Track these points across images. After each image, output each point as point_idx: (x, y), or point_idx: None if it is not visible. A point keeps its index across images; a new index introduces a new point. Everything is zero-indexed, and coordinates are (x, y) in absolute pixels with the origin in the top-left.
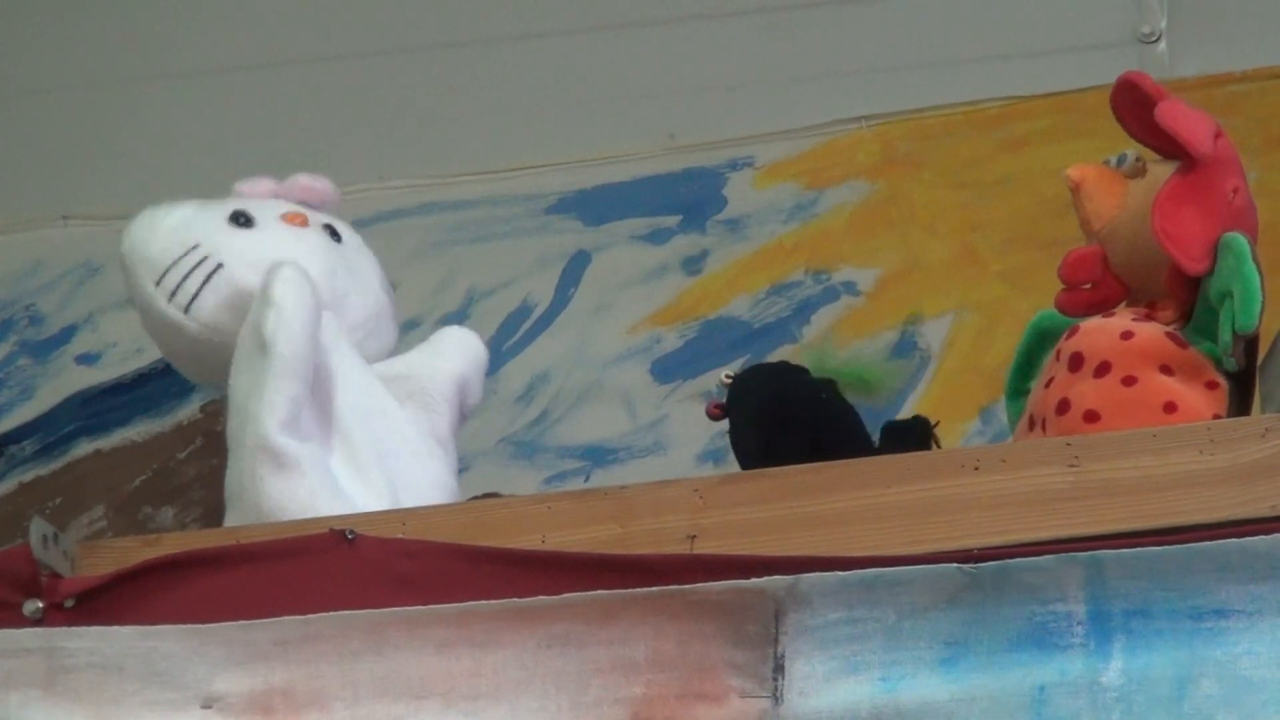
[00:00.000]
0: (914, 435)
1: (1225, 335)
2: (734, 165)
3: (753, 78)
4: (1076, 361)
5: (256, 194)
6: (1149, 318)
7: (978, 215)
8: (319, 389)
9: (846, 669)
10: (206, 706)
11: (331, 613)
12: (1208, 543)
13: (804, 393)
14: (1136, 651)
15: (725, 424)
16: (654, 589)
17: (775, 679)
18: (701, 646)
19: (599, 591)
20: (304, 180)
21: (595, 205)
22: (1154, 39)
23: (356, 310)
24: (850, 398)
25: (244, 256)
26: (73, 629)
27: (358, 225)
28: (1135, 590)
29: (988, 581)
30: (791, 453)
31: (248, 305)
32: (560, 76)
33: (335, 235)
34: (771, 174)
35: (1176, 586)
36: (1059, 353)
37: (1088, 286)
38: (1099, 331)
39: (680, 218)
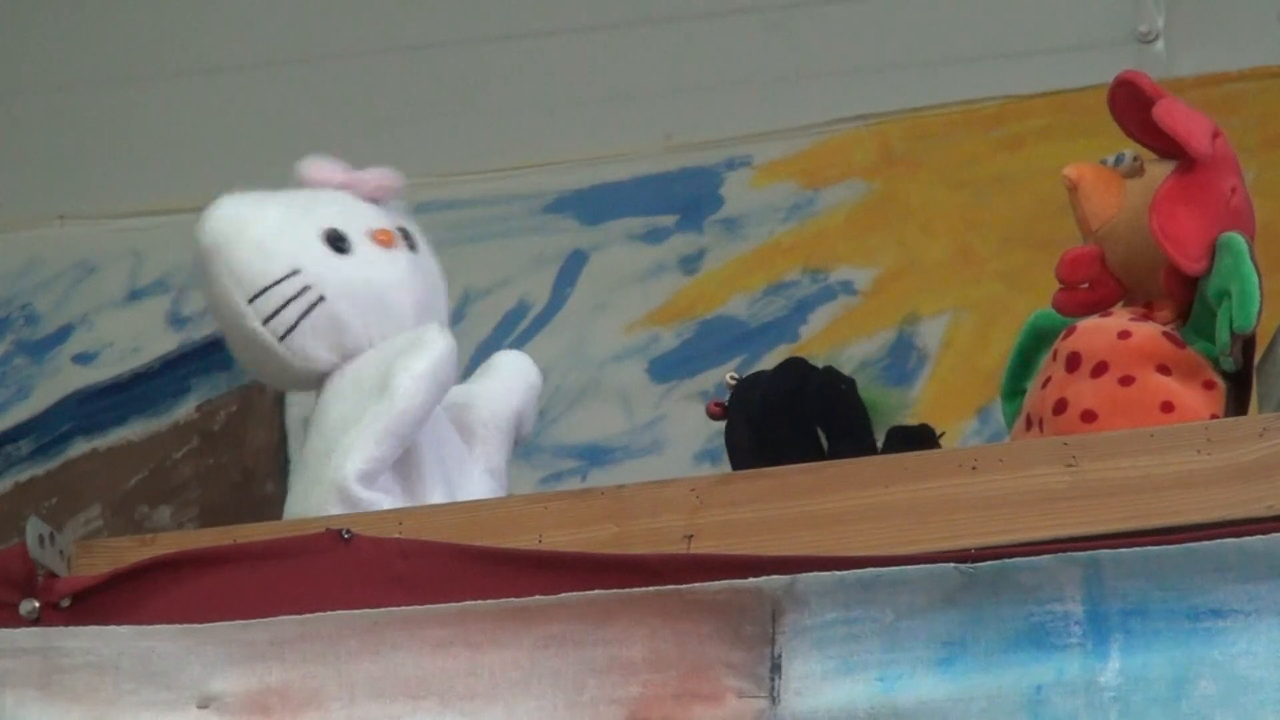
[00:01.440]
0: (919, 443)
1: (1223, 335)
2: (731, 164)
3: (750, 77)
4: (1074, 361)
5: (326, 181)
6: (1146, 317)
7: (975, 214)
8: (409, 451)
9: (843, 669)
10: (203, 706)
11: (328, 613)
12: (1205, 542)
13: (813, 387)
14: (1134, 651)
15: (719, 421)
16: (651, 589)
17: (772, 679)
18: (698, 646)
19: (596, 591)
20: (376, 176)
21: (592, 204)
22: (1152, 38)
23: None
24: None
25: (347, 290)
26: (69, 629)
27: None
28: (1133, 590)
29: (985, 581)
30: (784, 443)
31: (344, 338)
32: (557, 76)
33: (411, 243)
34: (768, 173)
35: (1174, 586)
36: (1056, 352)
37: (1085, 286)
38: (1096, 331)
39: (677, 217)
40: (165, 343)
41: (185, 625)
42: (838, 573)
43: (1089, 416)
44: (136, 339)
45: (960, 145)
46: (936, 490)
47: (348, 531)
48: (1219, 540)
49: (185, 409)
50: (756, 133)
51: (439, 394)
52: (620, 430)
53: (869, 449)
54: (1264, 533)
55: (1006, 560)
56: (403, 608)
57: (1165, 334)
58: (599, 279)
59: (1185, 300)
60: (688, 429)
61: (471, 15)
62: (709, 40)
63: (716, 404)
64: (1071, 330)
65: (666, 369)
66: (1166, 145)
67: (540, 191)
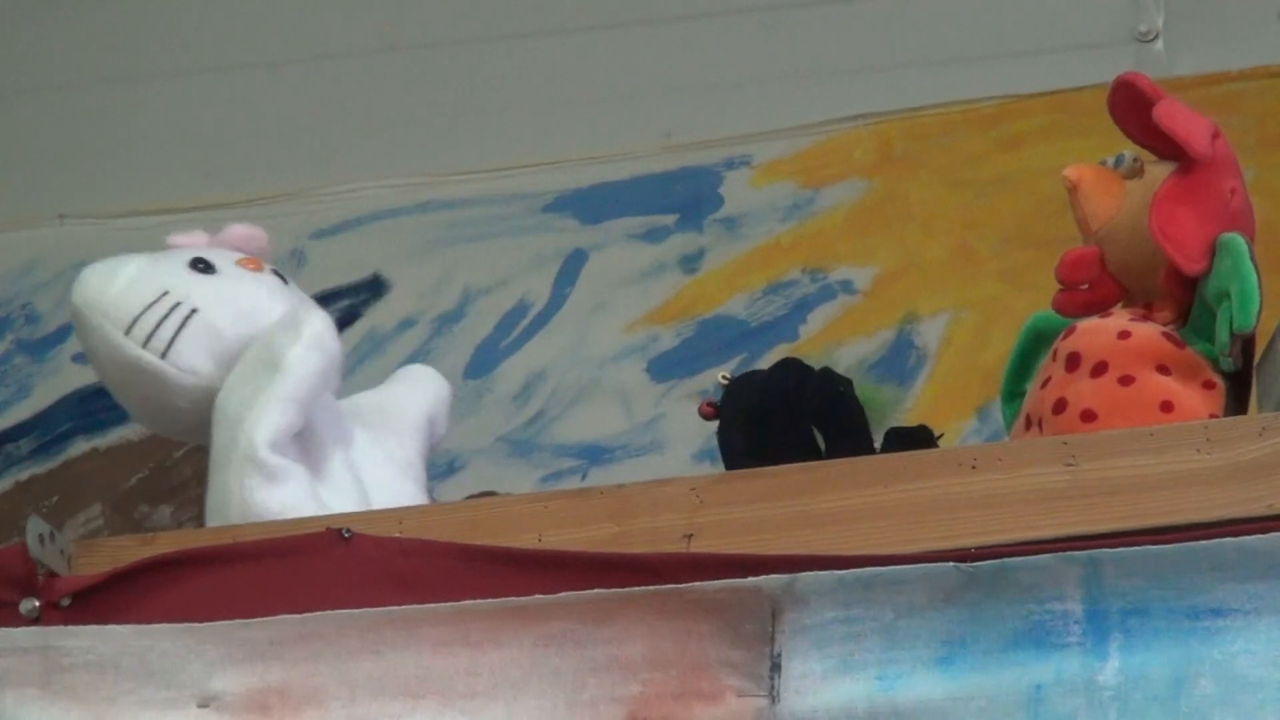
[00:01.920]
0: (917, 443)
1: (1223, 335)
2: (730, 164)
3: (749, 76)
4: (1073, 361)
5: (192, 245)
6: (1146, 318)
7: (975, 214)
8: (305, 426)
9: (843, 668)
10: (203, 705)
11: (328, 612)
12: (1205, 542)
13: (811, 388)
14: (1133, 650)
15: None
16: (651, 588)
17: (772, 678)
18: (698, 645)
19: (596, 590)
20: (239, 230)
21: (592, 204)
22: (1151, 37)
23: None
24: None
25: (218, 300)
26: (69, 628)
27: (354, 224)
28: (1132, 589)
29: (985, 580)
30: (779, 444)
31: (226, 348)
32: (556, 75)
33: (282, 279)
34: (768, 173)
35: (1173, 585)
36: (1055, 352)
37: (1085, 287)
38: (1096, 331)
39: (677, 216)
40: None
41: (185, 624)
42: (837, 572)
43: (1088, 416)
44: None
45: (960, 145)
46: (936, 489)
47: (348, 530)
48: (1218, 539)
49: None
50: (756, 132)
51: (328, 361)
52: (620, 429)
53: (867, 449)
54: (1263, 532)
55: (1006, 559)
56: (403, 607)
57: (1165, 334)
58: (599, 278)
59: (1185, 301)
60: (687, 428)
61: (471, 15)
62: (709, 40)
63: (709, 404)
64: (1071, 330)
65: (666, 368)
66: (1166, 146)
67: (540, 191)
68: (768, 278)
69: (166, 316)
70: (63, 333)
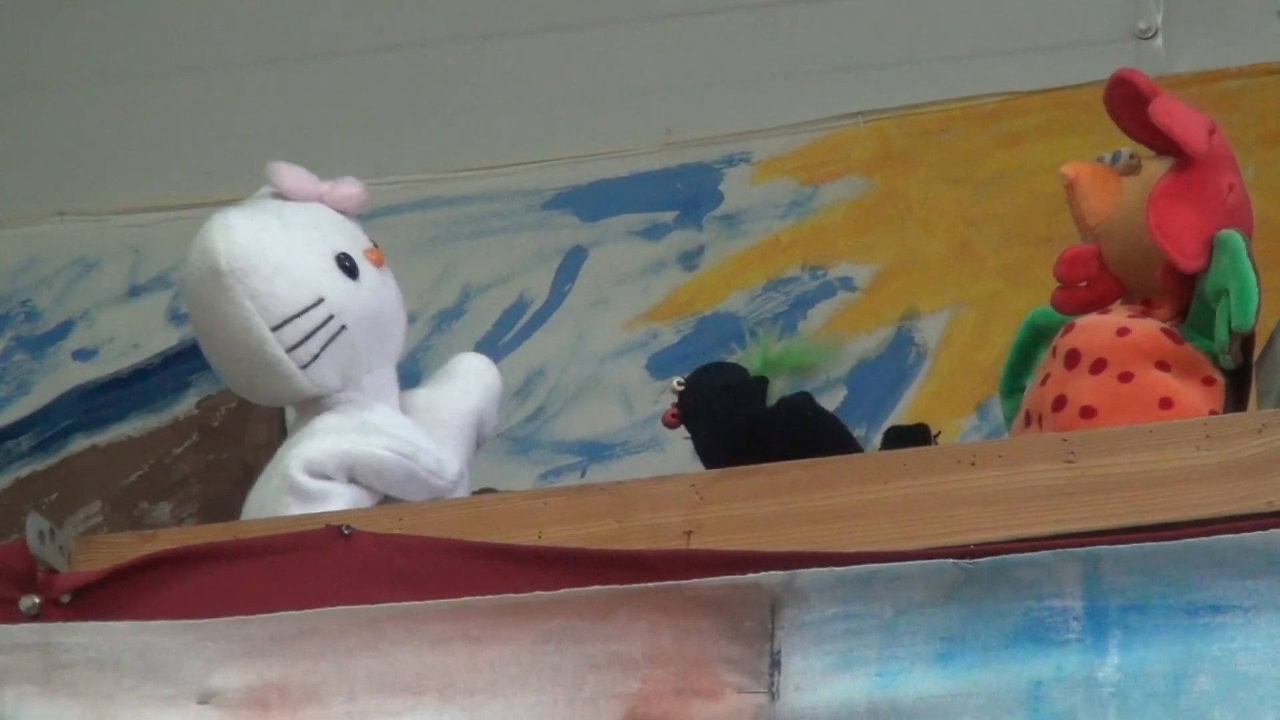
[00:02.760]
0: (915, 441)
1: (1222, 333)
2: (730, 161)
3: (749, 74)
4: (1073, 358)
5: (303, 193)
6: (1145, 315)
7: (974, 211)
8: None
9: (842, 665)
10: (203, 702)
11: (328, 608)
12: (1204, 538)
13: (779, 423)
14: (1133, 647)
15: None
16: (650, 584)
17: (771, 674)
18: (698, 642)
19: (595, 587)
20: (347, 188)
21: (592, 201)
22: (1150, 35)
23: (400, 338)
24: (794, 381)
25: (362, 317)
26: (69, 624)
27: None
28: (1131, 586)
29: (984, 577)
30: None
31: (355, 364)
32: (557, 72)
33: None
34: (768, 170)
35: (1173, 582)
36: (1055, 349)
37: (1083, 284)
38: (1095, 328)
39: (677, 213)
40: (165, 339)
41: (185, 621)
42: (837, 568)
43: (1088, 413)
44: (136, 335)
45: (959, 142)
46: (935, 486)
47: (348, 527)
48: (1217, 536)
49: (185, 405)
50: (756, 129)
51: (387, 480)
52: (620, 426)
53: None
54: (1262, 529)
55: (1005, 556)
56: (403, 603)
57: (1164, 330)
58: (598, 275)
59: (1183, 297)
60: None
61: (472, 12)
62: (709, 37)
63: (671, 414)
64: (1070, 327)
65: (666, 365)
66: (1163, 143)
67: (540, 188)
68: (767, 274)
69: (319, 329)
70: (63, 329)
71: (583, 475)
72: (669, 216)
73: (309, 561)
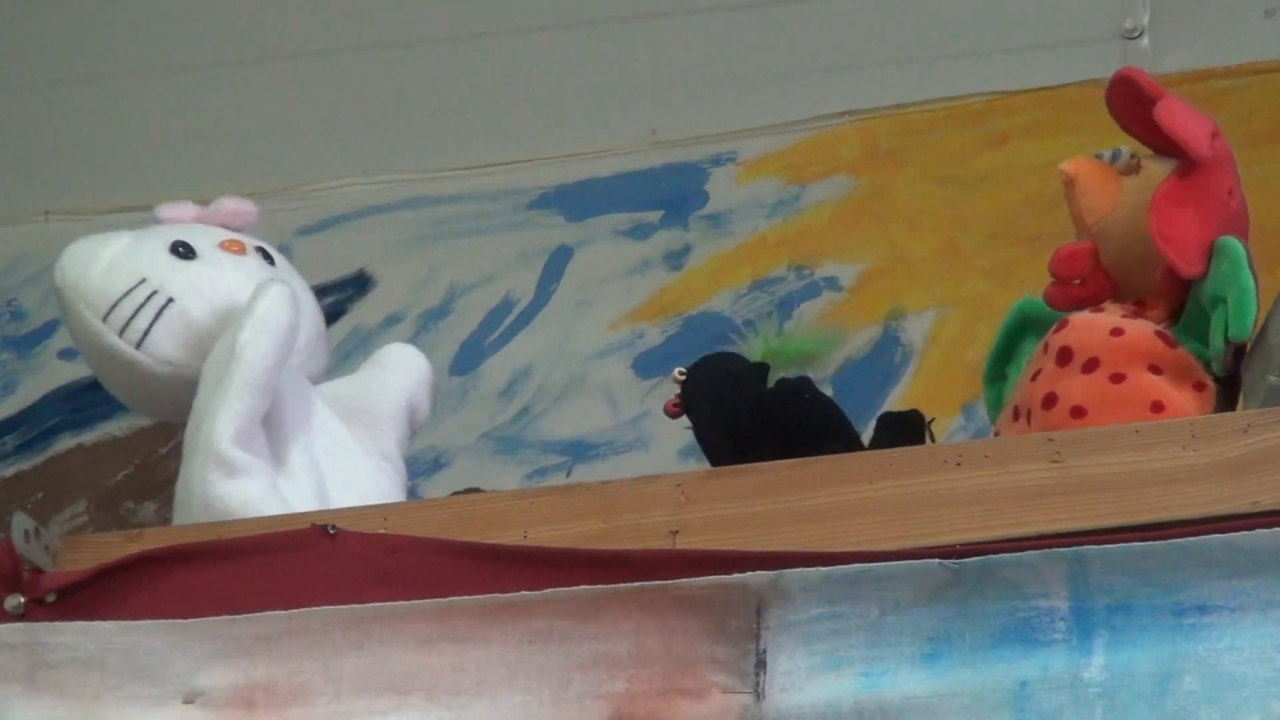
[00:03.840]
0: (908, 426)
1: (1217, 341)
2: (716, 160)
3: (735, 73)
4: (1065, 356)
5: (179, 219)
6: (1138, 315)
7: (960, 210)
8: (272, 412)
9: (829, 664)
10: (189, 702)
11: (314, 608)
12: (1191, 538)
13: (777, 408)
14: (1119, 647)
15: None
16: (636, 584)
17: (757, 674)
18: (684, 642)
19: (581, 587)
20: (229, 204)
21: (577, 200)
22: (1137, 34)
23: (299, 334)
24: (797, 369)
25: (194, 289)
26: (54, 624)
27: (340, 220)
28: (1118, 586)
29: (970, 577)
30: (759, 446)
31: (201, 338)
32: (542, 72)
33: (268, 259)
34: (754, 169)
35: (1159, 582)
36: (1047, 345)
37: (1077, 281)
38: (1089, 327)
39: (662, 213)
40: None
41: (171, 620)
42: (823, 568)
43: (1079, 412)
44: None
45: (946, 141)
46: (922, 486)
47: (333, 527)
48: (1204, 536)
49: None
50: (742, 129)
51: (284, 338)
52: (605, 426)
53: (850, 436)
54: (1249, 528)
55: (992, 556)
56: (388, 603)
57: (1158, 333)
58: (584, 275)
59: (1178, 300)
60: (673, 425)
61: (456, 12)
62: (694, 36)
63: (674, 404)
64: (1063, 324)
65: (651, 365)
66: (1165, 144)
67: (525, 187)
68: (753, 274)
69: (142, 306)
70: (48, 329)
71: (568, 475)
72: (655, 216)
73: (294, 561)
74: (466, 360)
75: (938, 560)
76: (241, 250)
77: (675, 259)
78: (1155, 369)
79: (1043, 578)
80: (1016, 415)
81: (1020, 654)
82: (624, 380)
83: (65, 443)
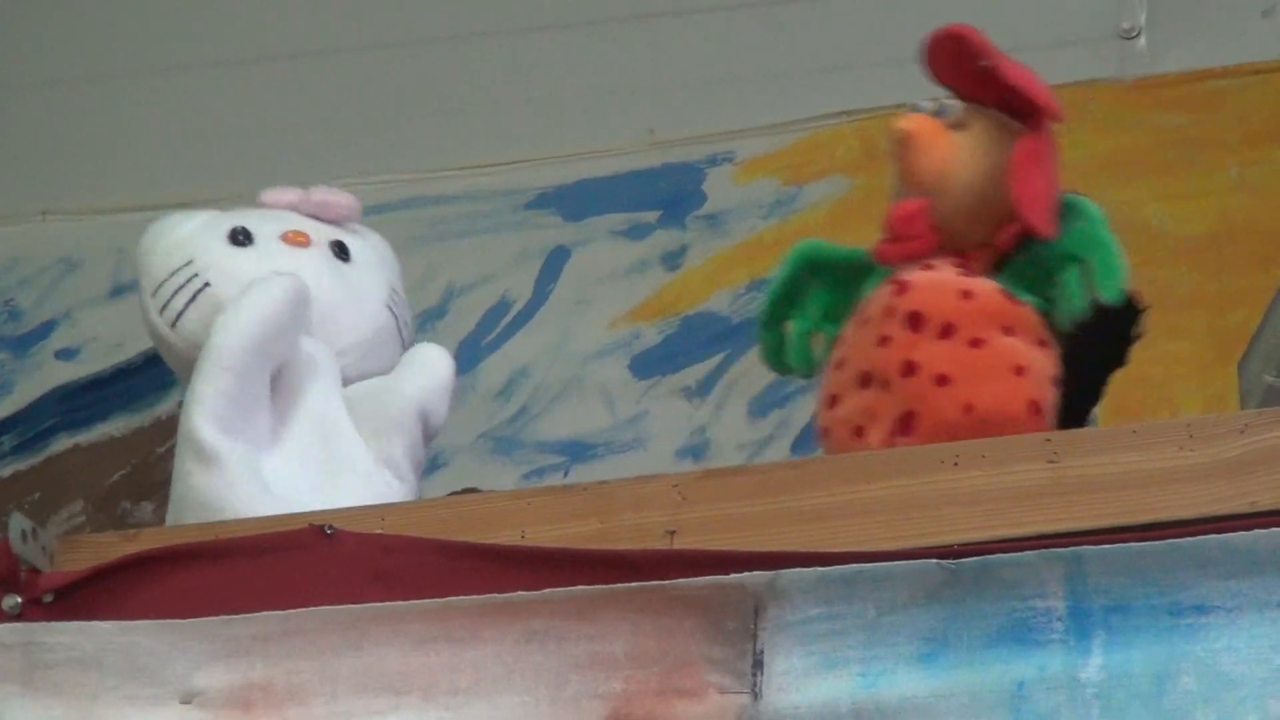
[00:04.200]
0: (1125, 321)
1: (1075, 302)
2: (714, 161)
3: (733, 73)
4: (916, 321)
5: (278, 204)
6: (964, 269)
7: None
8: (280, 396)
9: (826, 665)
10: (186, 702)
11: (311, 608)
12: (1188, 539)
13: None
14: (1116, 647)
15: (701, 417)
16: (633, 584)
17: (754, 675)
18: (681, 642)
19: (578, 587)
20: (321, 194)
21: (575, 201)
22: (1134, 34)
23: (348, 332)
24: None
25: (231, 276)
26: (51, 624)
27: None
28: (1115, 586)
29: (967, 577)
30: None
31: None
32: (540, 72)
33: (343, 253)
34: (751, 169)
35: (1156, 582)
36: (891, 309)
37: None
38: (935, 289)
39: (660, 213)
40: (148, 339)
41: (168, 621)
42: (820, 568)
43: (943, 380)
44: (119, 335)
45: None
46: (919, 486)
47: (330, 527)
48: (1201, 536)
49: (168, 405)
50: (739, 129)
51: (267, 317)
52: (603, 426)
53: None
54: (1246, 529)
55: (989, 556)
56: (385, 603)
57: (1002, 292)
58: (581, 275)
59: (1004, 254)
60: (670, 425)
61: (454, 11)
62: (692, 36)
63: None
64: (904, 287)
65: (649, 365)
66: (998, 100)
67: (523, 188)
68: (751, 274)
69: (182, 287)
70: (45, 329)
71: (566, 475)
72: (652, 216)
73: (292, 561)
74: (464, 360)
75: (935, 560)
76: (305, 243)
77: (673, 259)
78: (1008, 330)
79: (1040, 578)
80: (866, 382)
81: (1017, 654)
82: (621, 380)
83: (62, 443)
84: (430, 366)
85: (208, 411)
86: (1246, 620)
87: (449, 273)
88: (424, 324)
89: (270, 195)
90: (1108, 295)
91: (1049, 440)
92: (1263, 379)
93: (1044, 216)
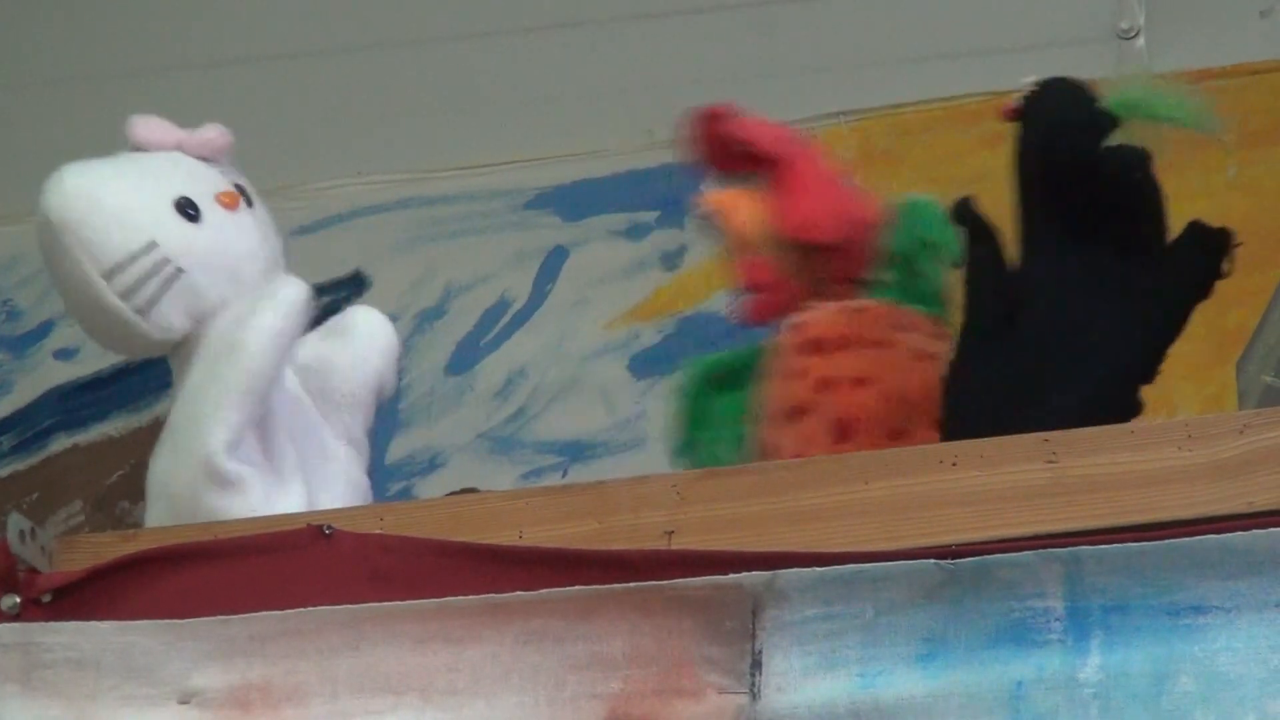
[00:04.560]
0: (1219, 245)
1: (936, 280)
2: None
3: (732, 73)
4: (818, 345)
5: (160, 144)
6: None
7: None
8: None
9: (824, 665)
10: (184, 702)
11: (309, 608)
12: (1186, 539)
13: (1111, 156)
14: (1114, 648)
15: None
16: (632, 585)
17: (753, 675)
18: (679, 642)
19: (576, 587)
20: (206, 133)
21: (573, 201)
22: (1132, 34)
23: (257, 278)
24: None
25: (204, 262)
26: (50, 624)
27: (336, 220)
28: (1113, 586)
29: (966, 578)
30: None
31: (204, 308)
32: (539, 72)
33: (248, 199)
34: None
35: (1155, 583)
36: (793, 346)
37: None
38: (826, 315)
39: (658, 213)
40: None
41: (166, 621)
42: (818, 569)
43: (860, 382)
44: None
45: (941, 142)
46: (917, 486)
47: (329, 527)
48: (1200, 537)
49: (166, 405)
50: None
51: (289, 345)
52: (601, 426)
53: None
54: (1244, 529)
55: (987, 556)
56: (384, 603)
57: (889, 301)
58: (580, 275)
59: (864, 280)
60: (668, 425)
61: (453, 11)
62: (691, 37)
63: (1012, 109)
64: (798, 325)
65: (647, 365)
66: (754, 160)
67: (522, 188)
68: None
69: (152, 274)
70: (44, 329)
71: (564, 475)
72: (651, 216)
73: (290, 561)
74: (462, 360)
75: (933, 560)
76: (235, 204)
77: (671, 259)
78: (901, 328)
79: (1038, 578)
80: (794, 416)
81: (1016, 654)
82: (620, 380)
83: (61, 443)
84: (379, 337)
85: (229, 438)
86: (1244, 620)
87: (447, 273)
88: (422, 324)
89: (145, 130)
90: (943, 240)
91: (1047, 440)
92: (1261, 379)
93: (818, 229)
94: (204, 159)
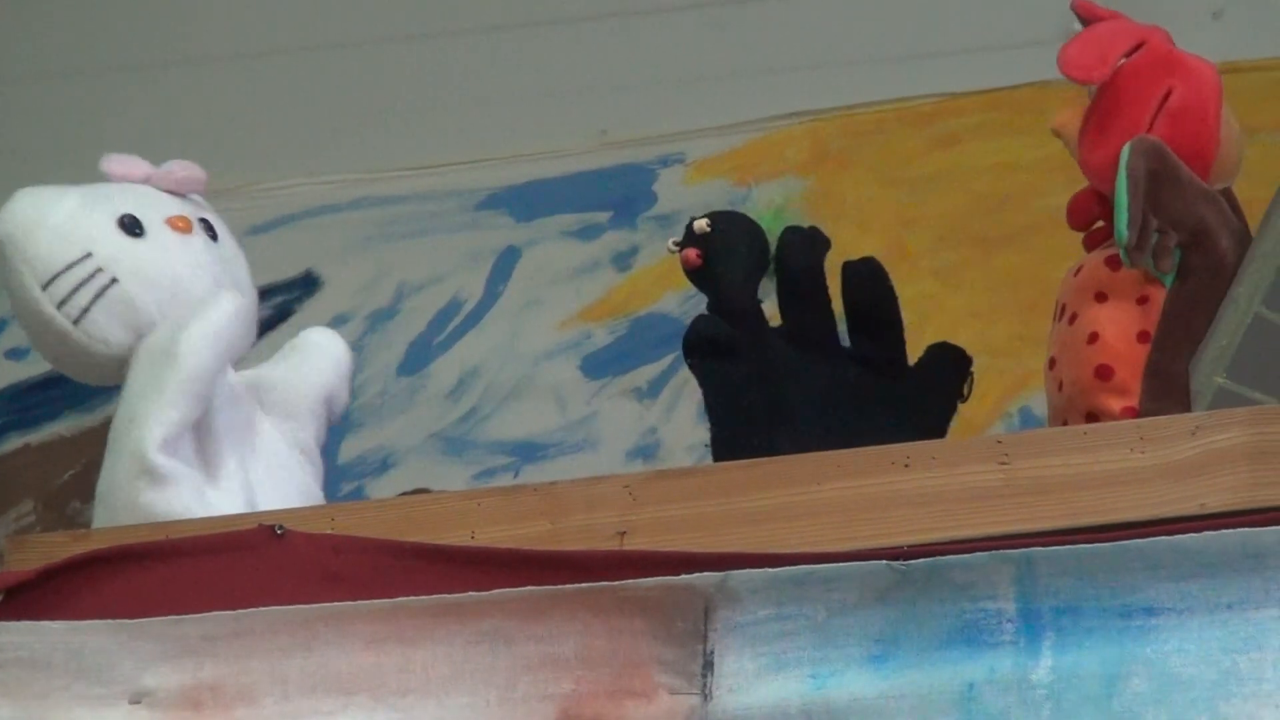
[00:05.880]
0: (953, 366)
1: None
2: (664, 161)
3: (684, 74)
4: (1059, 312)
5: (129, 177)
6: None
7: (909, 212)
8: (204, 418)
9: (776, 666)
10: (135, 702)
11: (261, 608)
12: (1138, 540)
13: (848, 268)
14: (1066, 649)
15: (652, 418)
16: (584, 585)
17: (704, 676)
18: (631, 643)
19: (528, 588)
20: (178, 170)
21: (525, 201)
22: None
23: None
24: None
25: (139, 273)
26: (1, 624)
27: (288, 220)
28: (1065, 588)
29: (918, 579)
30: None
31: (140, 321)
32: (490, 72)
33: (212, 233)
34: (702, 170)
35: (1107, 584)
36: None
37: (1099, 224)
38: (1067, 276)
39: (611, 214)
40: None
41: (118, 620)
42: (770, 570)
43: (1051, 364)
44: None
45: (894, 143)
46: (870, 487)
47: (280, 527)
48: (1152, 539)
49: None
50: (690, 130)
51: (227, 351)
52: (553, 427)
53: (898, 350)
54: (1196, 531)
55: (939, 558)
56: (336, 603)
57: (1106, 260)
58: (532, 275)
59: None
60: (621, 426)
61: (404, 12)
62: (644, 37)
63: (696, 255)
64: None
65: (599, 366)
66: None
67: (473, 188)
68: None
69: (85, 283)
70: None
71: (516, 476)
72: (603, 217)
73: (242, 561)
74: (414, 361)
75: (885, 561)
76: (188, 228)
77: (623, 260)
78: (1100, 297)
79: (990, 579)
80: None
81: (968, 656)
82: (572, 381)
83: (12, 443)
84: (329, 352)
85: (166, 435)
86: (1196, 622)
87: (399, 273)
88: (374, 324)
89: (117, 165)
90: (1117, 236)
91: (1000, 442)
92: (1213, 381)
93: (1104, 179)
94: (172, 193)
